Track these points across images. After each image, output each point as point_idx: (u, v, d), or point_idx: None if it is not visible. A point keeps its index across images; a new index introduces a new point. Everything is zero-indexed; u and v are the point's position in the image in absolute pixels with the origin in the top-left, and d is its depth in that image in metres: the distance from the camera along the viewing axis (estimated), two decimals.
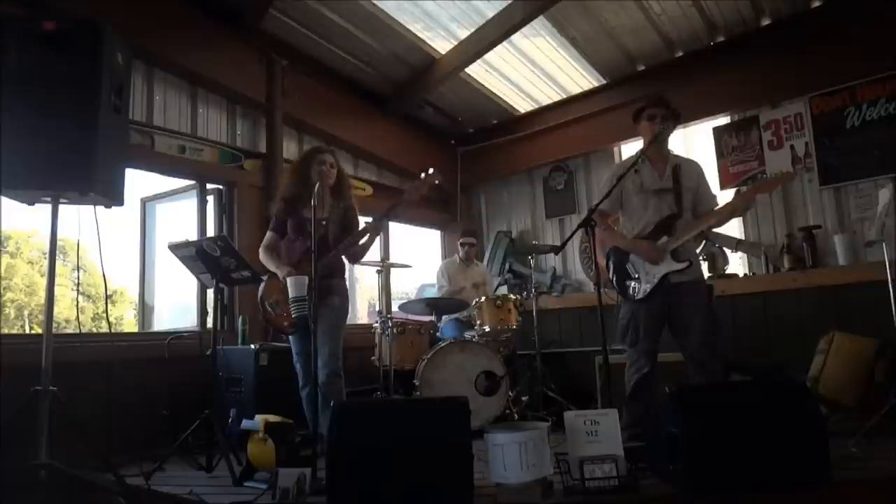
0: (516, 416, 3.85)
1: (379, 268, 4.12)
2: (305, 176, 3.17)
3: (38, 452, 2.17)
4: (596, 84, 5.33)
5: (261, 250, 3.24)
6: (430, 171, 3.11)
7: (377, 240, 3.37)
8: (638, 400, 2.94)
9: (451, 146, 6.28)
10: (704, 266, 4.13)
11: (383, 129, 5.57)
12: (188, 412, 3.02)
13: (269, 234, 3.28)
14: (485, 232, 6.29)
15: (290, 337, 3.16)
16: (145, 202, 4.64)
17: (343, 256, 3.22)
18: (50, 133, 2.26)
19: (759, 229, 4.56)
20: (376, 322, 4.27)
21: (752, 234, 4.59)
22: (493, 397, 3.79)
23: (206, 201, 4.40)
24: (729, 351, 3.81)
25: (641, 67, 5.07)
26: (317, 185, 2.85)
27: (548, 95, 5.59)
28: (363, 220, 3.31)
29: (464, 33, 4.72)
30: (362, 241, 3.15)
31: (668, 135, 3.10)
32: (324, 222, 3.13)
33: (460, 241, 4.98)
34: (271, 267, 3.19)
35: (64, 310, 16.21)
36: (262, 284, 3.24)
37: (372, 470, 2.10)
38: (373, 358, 4.23)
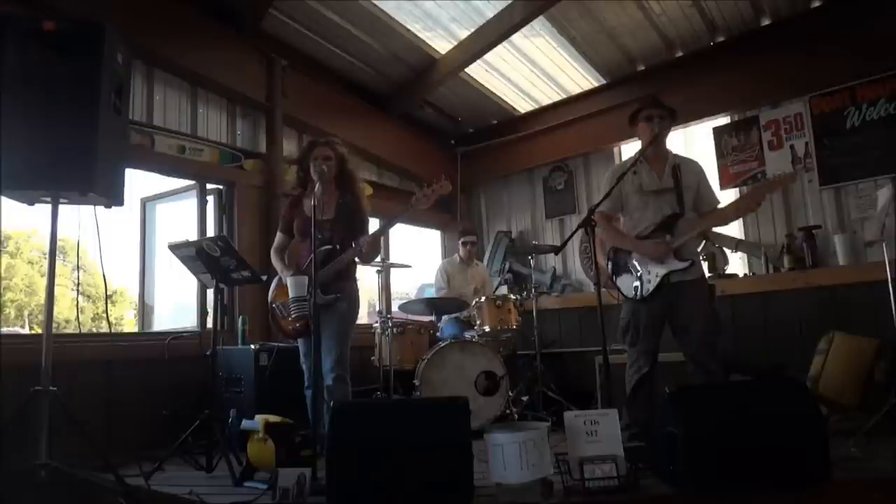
0: (516, 416, 3.86)
1: (379, 268, 4.13)
2: (305, 174, 3.13)
3: (38, 452, 2.16)
4: (596, 84, 5.33)
5: (271, 252, 3.25)
6: (443, 180, 3.01)
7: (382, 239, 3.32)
8: (638, 400, 2.93)
9: (450, 146, 6.27)
10: (704, 266, 4.13)
11: (383, 129, 5.56)
12: (188, 412, 3.02)
13: (278, 235, 3.27)
14: (485, 232, 6.28)
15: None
16: (145, 202, 4.64)
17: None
18: (50, 133, 2.26)
19: (759, 229, 4.55)
20: (376, 322, 4.27)
21: (752, 234, 4.59)
22: (493, 397, 3.79)
23: (206, 201, 4.39)
24: (729, 351, 3.80)
25: (641, 67, 5.08)
26: (316, 185, 2.82)
27: (548, 95, 5.59)
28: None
29: (464, 33, 4.72)
30: (367, 248, 3.04)
31: (667, 133, 3.10)
32: (328, 225, 3.06)
33: (461, 239, 4.96)
34: (279, 269, 3.19)
35: (64, 310, 16.17)
36: (273, 287, 3.23)
37: (372, 470, 2.10)
38: (373, 358, 4.23)
